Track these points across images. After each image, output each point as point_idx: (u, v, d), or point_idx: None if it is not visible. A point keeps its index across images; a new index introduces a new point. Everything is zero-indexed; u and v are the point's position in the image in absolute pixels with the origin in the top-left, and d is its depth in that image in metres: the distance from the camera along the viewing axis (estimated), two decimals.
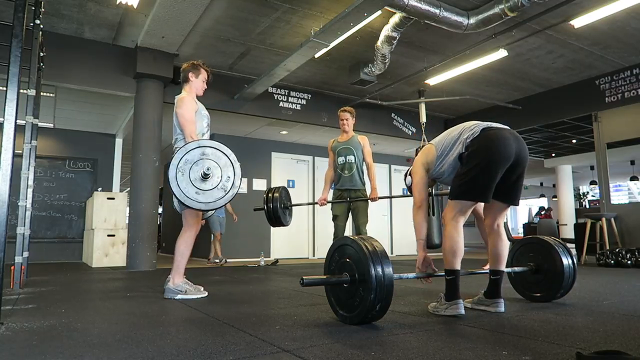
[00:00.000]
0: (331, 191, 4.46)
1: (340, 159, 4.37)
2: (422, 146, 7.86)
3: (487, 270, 2.59)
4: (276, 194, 4.07)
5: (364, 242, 2.14)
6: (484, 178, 2.31)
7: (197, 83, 3.36)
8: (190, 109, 3.16)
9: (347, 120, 4.42)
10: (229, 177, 2.79)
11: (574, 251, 8.17)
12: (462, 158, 2.38)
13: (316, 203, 4.38)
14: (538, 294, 2.79)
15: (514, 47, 5.94)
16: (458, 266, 2.36)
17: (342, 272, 2.19)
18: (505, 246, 2.53)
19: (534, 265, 2.81)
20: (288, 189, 4.34)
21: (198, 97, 3.38)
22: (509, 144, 2.31)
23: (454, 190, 2.40)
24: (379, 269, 2.04)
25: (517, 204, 2.50)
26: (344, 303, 2.19)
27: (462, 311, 2.31)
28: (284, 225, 4.16)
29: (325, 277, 2.26)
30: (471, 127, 2.41)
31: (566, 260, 2.69)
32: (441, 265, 2.39)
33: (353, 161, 4.31)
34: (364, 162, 4.40)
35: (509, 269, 2.77)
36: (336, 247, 2.30)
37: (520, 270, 2.81)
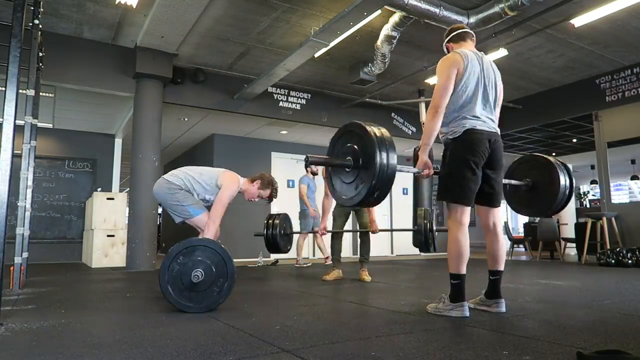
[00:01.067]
0: (329, 218, 4.42)
1: None
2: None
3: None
4: (277, 221, 4.08)
5: (372, 127, 2.16)
6: (454, 183, 2.37)
7: (252, 192, 3.42)
8: (231, 195, 3.26)
9: None
10: (222, 279, 2.53)
11: (573, 251, 8.17)
12: (444, 156, 2.48)
13: (316, 232, 4.34)
14: (532, 209, 2.82)
15: (514, 46, 5.93)
16: (464, 271, 2.34)
17: (346, 156, 2.21)
18: (502, 246, 2.53)
19: (530, 181, 2.80)
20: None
21: None
22: (480, 149, 2.34)
23: (437, 192, 2.50)
24: (384, 157, 2.06)
25: (497, 205, 2.53)
26: (346, 185, 2.24)
27: (467, 313, 2.30)
28: (282, 252, 4.17)
29: (329, 157, 2.29)
30: (460, 124, 2.39)
31: (564, 180, 2.68)
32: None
33: None
34: None
35: (506, 180, 2.74)
36: (344, 131, 2.31)
37: (516, 184, 2.80)
